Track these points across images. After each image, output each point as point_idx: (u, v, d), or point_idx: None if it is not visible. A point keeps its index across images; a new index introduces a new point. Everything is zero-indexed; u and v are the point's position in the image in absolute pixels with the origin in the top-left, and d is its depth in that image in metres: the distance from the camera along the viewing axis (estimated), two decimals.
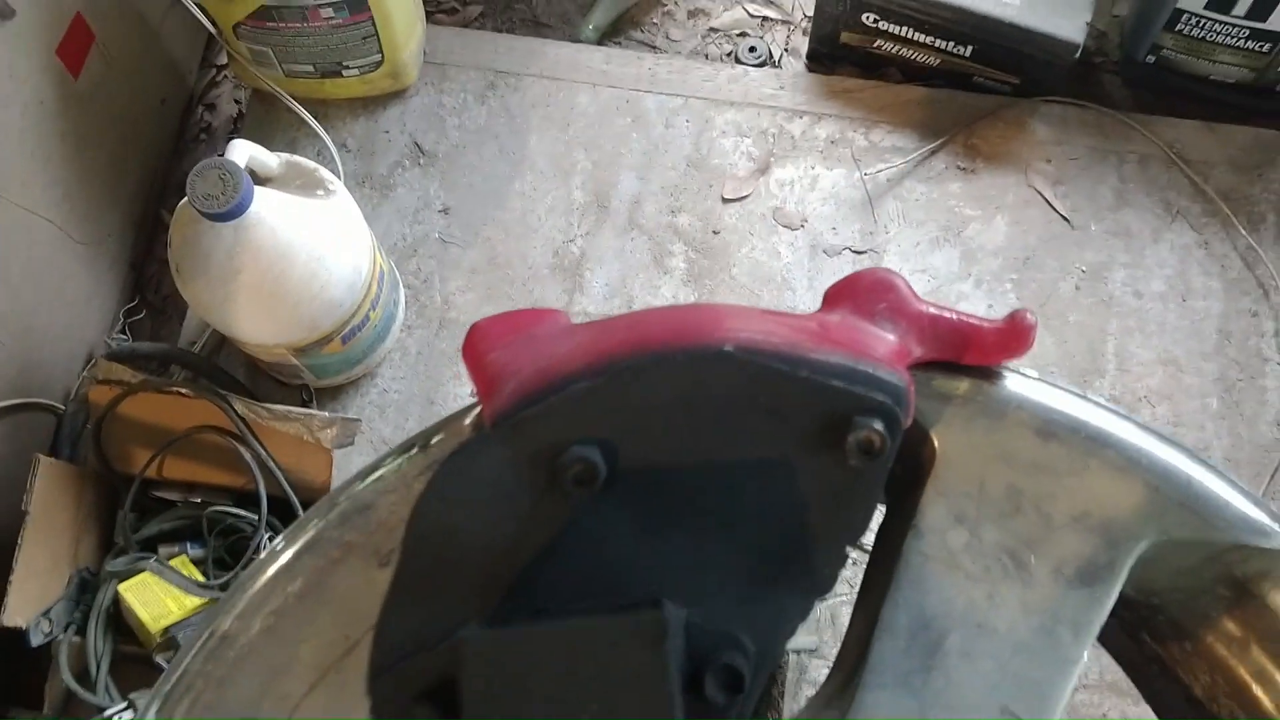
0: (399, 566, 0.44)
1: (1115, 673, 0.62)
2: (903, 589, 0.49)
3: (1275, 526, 0.50)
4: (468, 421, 0.49)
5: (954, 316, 0.49)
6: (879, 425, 0.43)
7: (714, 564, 0.44)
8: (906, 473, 0.53)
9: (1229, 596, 0.52)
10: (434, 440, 0.50)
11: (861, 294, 0.49)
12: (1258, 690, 0.53)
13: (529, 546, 0.44)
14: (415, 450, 0.51)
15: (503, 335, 0.51)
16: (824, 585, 0.45)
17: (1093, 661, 1.28)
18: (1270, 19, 1.38)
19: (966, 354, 0.49)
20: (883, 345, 0.47)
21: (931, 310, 0.49)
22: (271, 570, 0.50)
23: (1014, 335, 0.48)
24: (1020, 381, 0.51)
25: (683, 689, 0.40)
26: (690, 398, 0.44)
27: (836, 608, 1.31)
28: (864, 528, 0.45)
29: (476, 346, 0.50)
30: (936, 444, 0.50)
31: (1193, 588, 0.53)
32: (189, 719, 0.49)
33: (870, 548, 0.53)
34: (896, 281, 0.50)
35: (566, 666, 0.39)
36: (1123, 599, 0.53)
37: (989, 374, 0.51)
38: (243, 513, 1.23)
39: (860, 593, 0.55)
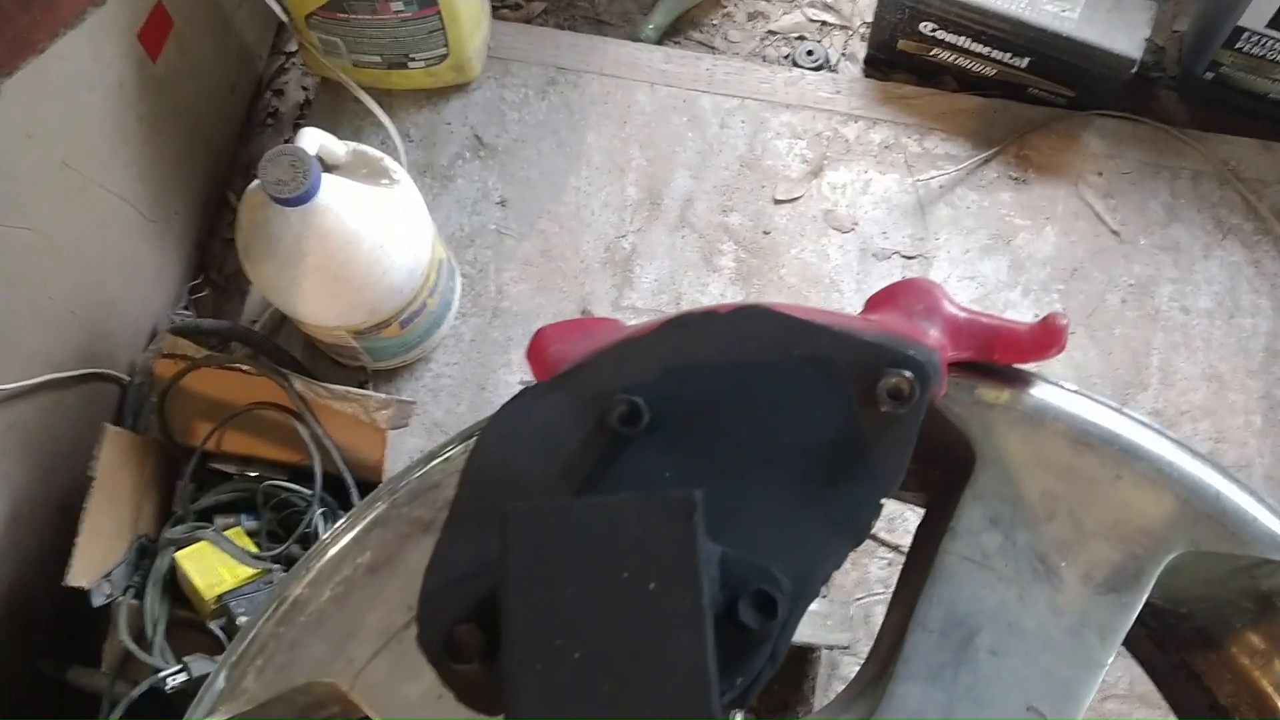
0: (455, 499, 0.48)
1: (1145, 684, 0.64)
2: (938, 586, 0.51)
3: None
4: None
5: (987, 320, 0.52)
6: (909, 374, 0.46)
7: (751, 504, 0.47)
8: (946, 477, 0.55)
9: (1254, 610, 0.54)
10: None
11: (900, 298, 0.52)
12: (1279, 702, 0.55)
13: (575, 481, 0.47)
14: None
15: (563, 335, 0.54)
16: (858, 531, 0.48)
17: (1122, 672, 1.29)
18: None
19: (997, 351, 0.51)
20: (922, 335, 0.50)
21: (965, 314, 0.52)
22: (343, 542, 0.54)
23: (1047, 335, 0.51)
24: (1058, 393, 0.53)
25: (718, 617, 0.42)
26: (732, 348, 0.48)
27: (870, 606, 1.33)
28: (896, 478, 0.48)
29: (539, 344, 0.54)
30: (976, 450, 0.52)
31: (1219, 599, 0.55)
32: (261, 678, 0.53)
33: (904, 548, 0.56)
34: (933, 288, 0.53)
35: (602, 535, 0.42)
36: (1151, 607, 0.55)
37: (1029, 384, 0.53)
38: (297, 488, 1.27)
39: (896, 589, 0.57)
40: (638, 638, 0.41)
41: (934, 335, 0.52)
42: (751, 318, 0.49)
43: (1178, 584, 0.54)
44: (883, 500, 0.48)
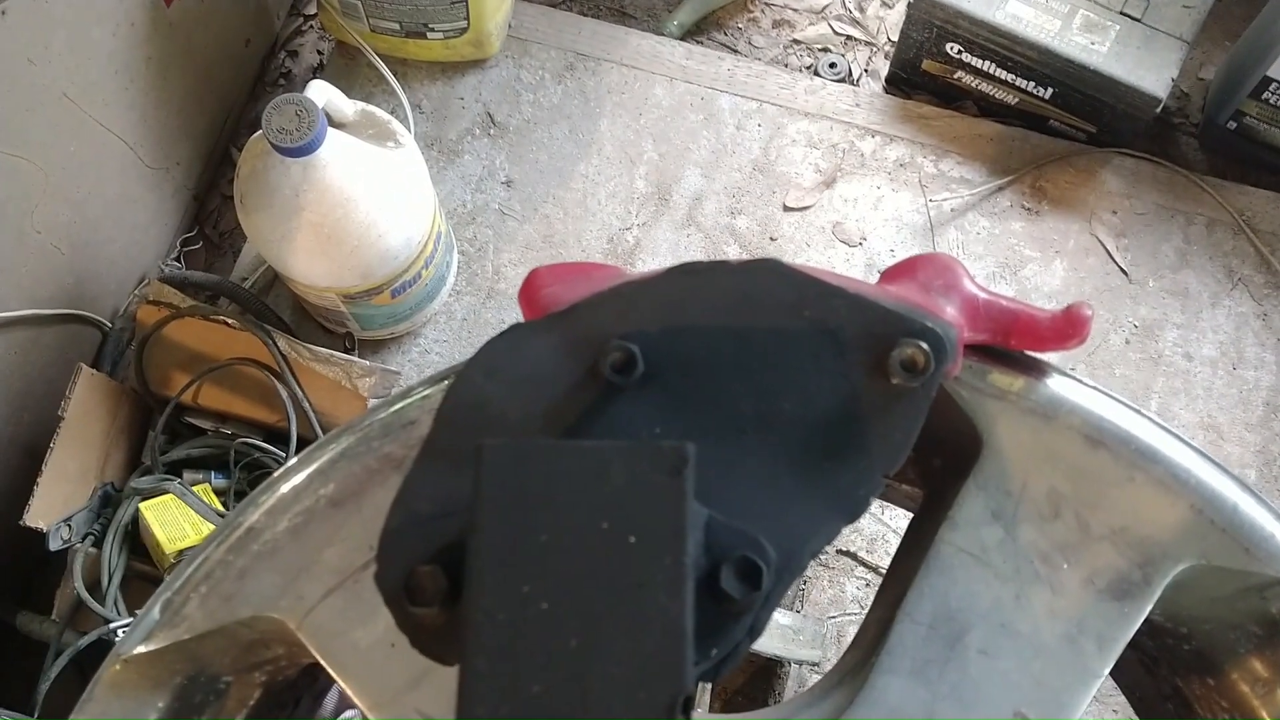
0: (430, 435, 0.45)
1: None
2: (930, 578, 0.48)
3: None
4: None
5: (1007, 303, 0.49)
6: (924, 346, 0.43)
7: (742, 470, 0.44)
8: (949, 464, 0.53)
9: (1260, 634, 0.51)
10: None
11: (920, 271, 0.49)
12: None
13: (559, 428, 0.44)
14: None
15: (559, 276, 0.51)
16: (854, 508, 0.44)
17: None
18: None
19: (1014, 336, 0.49)
20: (939, 311, 0.47)
21: (985, 294, 0.49)
22: (305, 472, 0.50)
23: (1069, 324, 0.48)
24: (1075, 387, 0.50)
25: (698, 582, 0.39)
26: (739, 303, 0.45)
27: (844, 626, 1.30)
28: (900, 455, 0.44)
29: (533, 284, 0.51)
30: (984, 438, 0.49)
31: (1224, 620, 0.52)
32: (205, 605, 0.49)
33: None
34: (954, 264, 0.50)
35: (584, 480, 0.39)
36: (1150, 625, 0.52)
37: (1045, 374, 0.50)
38: (271, 449, 1.24)
39: (887, 576, 0.54)
40: (611, 593, 0.38)
41: (951, 313, 0.49)
42: (763, 272, 0.46)
43: (1182, 600, 0.51)
44: (884, 477, 0.45)
